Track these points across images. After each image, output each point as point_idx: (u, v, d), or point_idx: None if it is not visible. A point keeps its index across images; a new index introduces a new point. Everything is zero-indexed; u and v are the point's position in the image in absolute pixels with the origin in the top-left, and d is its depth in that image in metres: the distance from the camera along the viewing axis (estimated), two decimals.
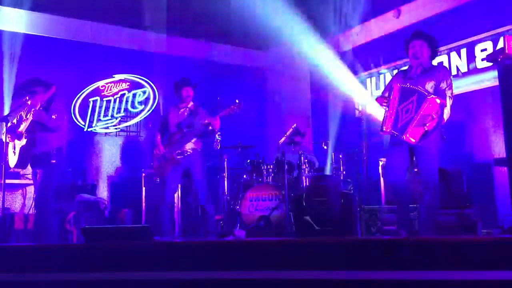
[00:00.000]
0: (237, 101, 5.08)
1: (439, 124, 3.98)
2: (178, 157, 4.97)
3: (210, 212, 5.16)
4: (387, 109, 4.09)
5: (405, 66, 6.46)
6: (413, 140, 3.93)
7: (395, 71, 4.34)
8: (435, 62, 4.40)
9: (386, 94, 4.23)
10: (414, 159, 4.17)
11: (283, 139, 6.24)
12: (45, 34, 7.03)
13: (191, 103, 5.28)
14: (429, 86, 4.07)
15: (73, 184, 6.51)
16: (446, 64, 6.43)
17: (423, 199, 4.07)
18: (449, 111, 4.02)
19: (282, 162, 5.81)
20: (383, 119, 4.10)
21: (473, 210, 4.82)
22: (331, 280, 2.60)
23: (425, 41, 4.19)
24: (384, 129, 4.07)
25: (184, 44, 8.03)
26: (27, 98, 4.75)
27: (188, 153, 5.04)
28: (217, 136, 5.98)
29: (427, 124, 3.90)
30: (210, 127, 5.04)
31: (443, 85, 4.08)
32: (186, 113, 5.19)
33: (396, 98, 4.04)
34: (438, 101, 3.91)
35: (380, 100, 4.28)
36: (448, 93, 4.05)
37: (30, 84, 4.83)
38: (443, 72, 4.16)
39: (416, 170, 4.35)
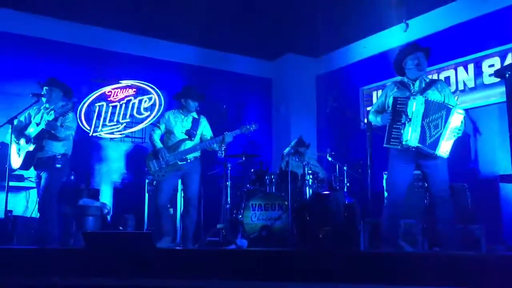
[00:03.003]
0: (255, 125, 5.19)
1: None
2: (181, 163, 4.98)
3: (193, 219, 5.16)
4: (408, 122, 3.86)
5: None
6: (446, 155, 3.89)
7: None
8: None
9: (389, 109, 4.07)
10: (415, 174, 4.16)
11: (287, 149, 6.25)
12: (55, 39, 7.07)
13: (195, 112, 5.30)
14: (437, 97, 4.01)
15: (76, 189, 6.51)
16: (453, 79, 6.42)
17: (440, 213, 3.98)
18: None
19: (286, 172, 5.80)
20: (403, 132, 3.87)
21: (477, 226, 4.79)
22: None
23: (423, 53, 4.09)
24: (408, 142, 3.84)
25: (191, 52, 8.06)
26: (43, 98, 4.77)
27: (190, 160, 5.06)
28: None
29: (459, 135, 3.90)
30: (222, 142, 5.06)
31: (449, 97, 4.07)
32: (191, 122, 5.19)
33: (419, 111, 3.85)
34: (460, 111, 3.92)
35: (392, 114, 3.99)
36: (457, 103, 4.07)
37: (48, 83, 4.86)
38: (444, 84, 4.18)
39: (426, 185, 4.28)
